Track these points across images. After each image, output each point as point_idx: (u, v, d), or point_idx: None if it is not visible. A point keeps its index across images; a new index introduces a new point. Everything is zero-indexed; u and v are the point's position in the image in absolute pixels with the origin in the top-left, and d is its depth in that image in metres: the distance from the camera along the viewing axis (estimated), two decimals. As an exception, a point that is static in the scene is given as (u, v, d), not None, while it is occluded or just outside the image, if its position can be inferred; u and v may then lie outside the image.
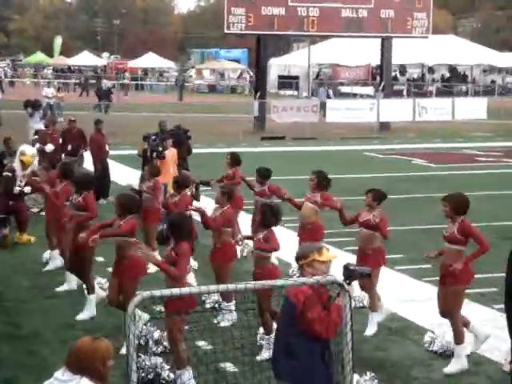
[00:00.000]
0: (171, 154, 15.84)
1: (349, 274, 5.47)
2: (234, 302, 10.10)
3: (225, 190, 10.35)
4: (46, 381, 5.03)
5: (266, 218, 8.97)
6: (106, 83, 48.06)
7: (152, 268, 9.99)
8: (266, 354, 8.57)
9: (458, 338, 8.69)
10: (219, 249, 10.09)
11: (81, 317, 10.11)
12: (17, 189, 13.96)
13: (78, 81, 62.36)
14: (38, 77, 65.51)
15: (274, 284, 5.28)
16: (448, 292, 8.65)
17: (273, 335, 8.70)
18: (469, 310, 10.82)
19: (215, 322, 9.95)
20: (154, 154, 15.86)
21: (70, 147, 18.62)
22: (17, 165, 14.26)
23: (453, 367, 8.63)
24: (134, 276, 9.02)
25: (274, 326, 8.41)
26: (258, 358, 8.65)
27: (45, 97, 37.27)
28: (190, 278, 10.17)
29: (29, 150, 14.60)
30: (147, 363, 8.21)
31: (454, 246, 8.73)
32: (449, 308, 8.71)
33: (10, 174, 14.18)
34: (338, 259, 5.97)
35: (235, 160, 13.89)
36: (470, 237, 8.78)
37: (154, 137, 16.92)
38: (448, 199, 8.95)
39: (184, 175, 13.09)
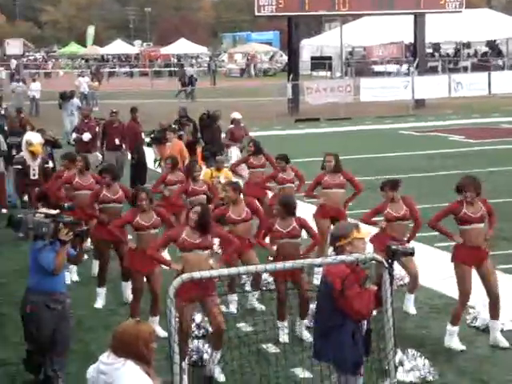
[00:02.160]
0: (174, 143, 16.04)
1: (392, 253, 5.44)
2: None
3: (235, 186, 10.07)
4: (92, 365, 5.10)
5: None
6: (189, 71, 48.13)
7: None
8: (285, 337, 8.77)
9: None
10: None
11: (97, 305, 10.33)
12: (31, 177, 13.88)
13: (88, 70, 62.26)
14: (72, 67, 66.02)
15: (312, 262, 5.27)
16: None
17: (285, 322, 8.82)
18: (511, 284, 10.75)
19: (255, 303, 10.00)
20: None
21: (117, 141, 17.80)
22: (26, 155, 14.11)
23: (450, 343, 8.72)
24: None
25: None
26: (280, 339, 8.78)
27: (77, 87, 37.54)
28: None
29: (35, 139, 14.35)
30: (190, 346, 8.26)
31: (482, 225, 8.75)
32: None
33: (19, 167, 14.06)
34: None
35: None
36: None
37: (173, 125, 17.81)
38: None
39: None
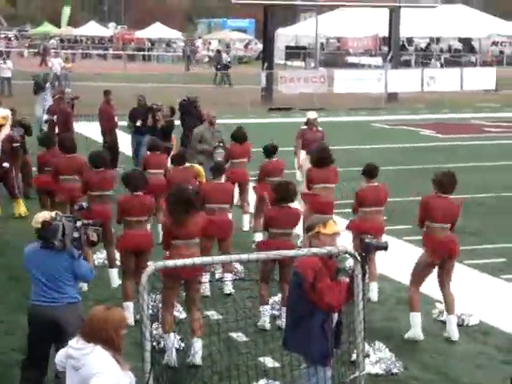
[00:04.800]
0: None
1: (365, 247, 5.50)
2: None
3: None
4: (61, 349, 5.12)
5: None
6: (225, 57, 47.82)
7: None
8: (263, 323, 8.87)
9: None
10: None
11: None
12: None
13: (32, 50, 61.47)
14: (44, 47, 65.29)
15: (286, 254, 5.33)
16: None
17: (268, 307, 8.91)
18: (476, 280, 10.92)
19: (226, 292, 10.06)
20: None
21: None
22: None
23: (407, 334, 8.84)
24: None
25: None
26: (258, 324, 8.87)
27: (50, 68, 37.21)
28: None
29: (0, 112, 14.45)
30: (158, 332, 8.30)
31: None
32: None
33: None
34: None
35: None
36: None
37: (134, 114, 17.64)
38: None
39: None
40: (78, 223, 6.62)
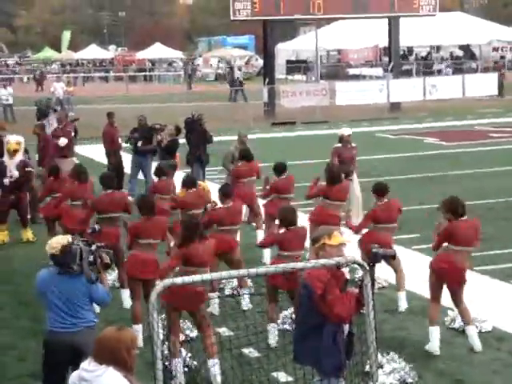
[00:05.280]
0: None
1: (372, 256, 5.48)
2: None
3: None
4: (74, 371, 5.09)
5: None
6: (239, 74, 47.94)
7: None
8: (270, 340, 8.84)
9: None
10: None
11: None
12: (6, 180, 13.91)
13: (32, 75, 61.59)
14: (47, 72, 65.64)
15: (295, 267, 5.31)
16: None
17: (275, 325, 8.87)
18: (487, 286, 10.86)
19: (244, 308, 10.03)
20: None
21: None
22: (5, 155, 14.26)
23: (427, 347, 8.77)
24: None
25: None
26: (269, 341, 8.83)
27: (52, 92, 37.36)
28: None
29: (13, 139, 14.50)
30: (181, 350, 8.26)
31: None
32: None
33: None
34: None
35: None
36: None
37: (135, 133, 17.47)
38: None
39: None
40: (93, 246, 6.58)
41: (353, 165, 14.44)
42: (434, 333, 8.73)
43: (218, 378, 7.82)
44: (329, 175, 11.55)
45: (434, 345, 8.70)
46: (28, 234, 14.35)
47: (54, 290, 6.55)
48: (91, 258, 6.50)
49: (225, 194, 10.39)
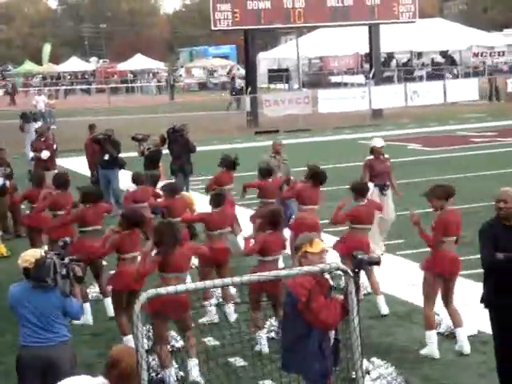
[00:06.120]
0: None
1: (357, 262, 5.47)
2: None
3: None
4: None
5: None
6: (240, 83, 47.78)
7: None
8: (261, 347, 8.82)
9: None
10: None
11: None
12: None
13: (4, 89, 61.53)
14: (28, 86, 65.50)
15: (278, 274, 5.30)
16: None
17: (264, 331, 8.86)
18: (472, 290, 10.89)
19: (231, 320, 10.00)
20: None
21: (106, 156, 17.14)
22: None
23: (423, 351, 8.72)
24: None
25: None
26: (256, 349, 8.82)
27: (34, 106, 37.26)
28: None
29: None
30: (156, 363, 8.23)
31: None
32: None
33: None
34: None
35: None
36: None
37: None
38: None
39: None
40: (66, 259, 6.45)
41: (388, 179, 13.33)
42: (433, 337, 8.71)
43: (198, 378, 7.83)
44: (358, 191, 10.46)
45: (433, 349, 8.67)
46: (1, 249, 14.24)
47: (26, 305, 6.44)
48: (64, 272, 6.36)
49: (215, 201, 10.34)
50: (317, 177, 11.40)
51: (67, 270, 6.39)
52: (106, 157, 17.05)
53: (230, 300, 10.29)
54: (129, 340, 8.86)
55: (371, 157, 13.44)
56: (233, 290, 10.73)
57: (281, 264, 10.80)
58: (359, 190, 10.35)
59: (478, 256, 8.91)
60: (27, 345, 6.49)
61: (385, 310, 10.09)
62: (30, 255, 6.53)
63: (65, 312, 6.52)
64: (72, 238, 9.47)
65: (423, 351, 8.73)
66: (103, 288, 10.50)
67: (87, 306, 10.32)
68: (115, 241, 9.14)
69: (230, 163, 13.34)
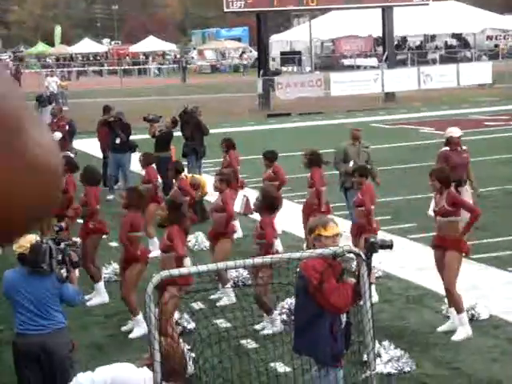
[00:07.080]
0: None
1: (369, 246, 5.47)
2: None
3: (223, 178, 10.53)
4: None
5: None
6: (273, 64, 47.32)
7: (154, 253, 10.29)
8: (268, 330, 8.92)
9: (457, 308, 8.70)
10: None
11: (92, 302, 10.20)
12: None
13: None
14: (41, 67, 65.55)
15: (291, 257, 5.31)
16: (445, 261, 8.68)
17: (276, 312, 8.92)
18: (485, 273, 10.88)
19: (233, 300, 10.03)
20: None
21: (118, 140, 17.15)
22: None
23: (459, 335, 8.65)
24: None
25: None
26: (264, 332, 8.90)
27: (46, 87, 37.28)
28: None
29: None
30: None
31: (447, 219, 8.70)
32: (445, 278, 8.71)
33: None
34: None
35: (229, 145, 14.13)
36: (459, 206, 8.72)
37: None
38: (433, 173, 8.87)
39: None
40: (62, 244, 6.33)
41: (466, 173, 11.92)
42: (465, 317, 8.68)
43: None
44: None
45: (468, 329, 8.63)
46: None
47: (22, 292, 6.34)
48: (60, 257, 6.26)
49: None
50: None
51: (63, 256, 6.28)
52: (118, 140, 17.05)
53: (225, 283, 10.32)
54: (140, 319, 8.89)
55: (447, 148, 12.09)
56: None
57: (279, 246, 10.88)
58: (363, 174, 10.32)
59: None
60: (22, 332, 6.41)
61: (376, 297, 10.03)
62: (26, 241, 6.38)
63: (61, 298, 6.42)
64: (67, 223, 9.56)
65: (457, 337, 8.61)
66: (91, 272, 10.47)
67: (101, 284, 10.39)
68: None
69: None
